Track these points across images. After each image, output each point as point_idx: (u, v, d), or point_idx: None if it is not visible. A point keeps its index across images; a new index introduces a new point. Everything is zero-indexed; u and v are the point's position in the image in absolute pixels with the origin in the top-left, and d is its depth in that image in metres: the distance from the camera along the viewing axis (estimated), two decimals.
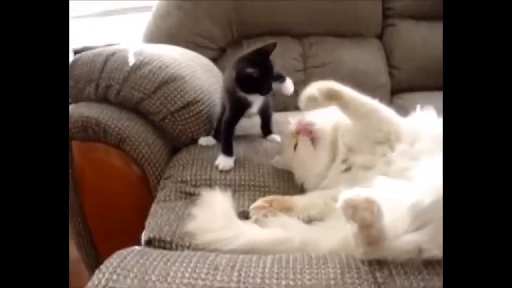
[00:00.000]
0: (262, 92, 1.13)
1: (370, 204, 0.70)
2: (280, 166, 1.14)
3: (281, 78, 1.15)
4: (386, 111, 1.02)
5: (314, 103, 0.96)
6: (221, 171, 1.11)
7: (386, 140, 0.96)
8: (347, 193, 0.71)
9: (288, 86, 1.17)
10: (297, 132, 1.09)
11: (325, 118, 1.08)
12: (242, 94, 1.13)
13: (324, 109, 1.03)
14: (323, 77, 1.85)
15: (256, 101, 1.17)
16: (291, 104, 1.27)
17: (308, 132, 1.06)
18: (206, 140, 1.25)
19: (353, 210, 0.70)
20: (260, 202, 0.96)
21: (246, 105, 1.16)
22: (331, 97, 0.96)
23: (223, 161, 1.12)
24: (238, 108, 1.16)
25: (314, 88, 0.96)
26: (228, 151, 1.14)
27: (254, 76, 1.08)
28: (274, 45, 1.13)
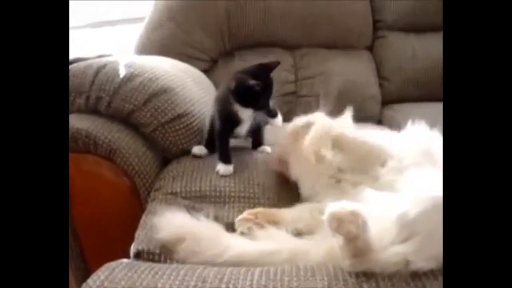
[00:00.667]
0: (259, 107, 1.13)
1: (355, 217, 0.71)
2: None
3: (273, 113, 1.16)
4: (375, 138, 1.02)
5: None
6: (221, 176, 1.13)
7: (376, 164, 0.96)
8: (333, 206, 0.71)
9: (278, 121, 1.17)
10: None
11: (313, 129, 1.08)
12: (234, 108, 1.13)
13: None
14: (314, 88, 1.89)
15: (247, 119, 1.17)
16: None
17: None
18: (199, 149, 1.25)
19: (338, 223, 0.70)
20: (245, 214, 0.96)
21: (237, 122, 1.16)
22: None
23: (223, 168, 1.14)
24: (228, 123, 1.16)
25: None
26: (226, 160, 1.15)
27: (255, 88, 1.07)
28: (278, 63, 1.15)
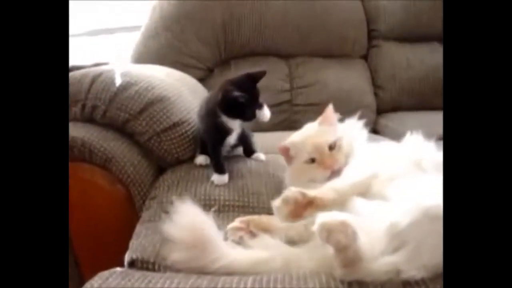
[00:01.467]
0: (245, 118, 1.15)
1: (344, 227, 0.71)
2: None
3: (259, 105, 1.15)
4: (366, 168, 0.97)
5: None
6: (216, 185, 1.14)
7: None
8: (323, 217, 0.72)
9: (265, 112, 1.15)
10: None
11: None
12: (222, 119, 1.15)
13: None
14: (309, 97, 1.90)
15: (236, 129, 1.19)
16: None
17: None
18: (204, 159, 1.25)
19: (328, 233, 0.71)
20: (237, 222, 0.96)
21: (226, 132, 1.18)
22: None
23: (217, 178, 1.16)
24: (218, 134, 1.18)
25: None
26: (220, 170, 1.16)
27: (240, 100, 1.09)
28: (264, 73, 1.15)
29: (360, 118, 1.15)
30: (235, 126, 1.18)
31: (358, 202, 0.85)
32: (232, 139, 1.21)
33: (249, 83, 1.13)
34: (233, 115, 1.14)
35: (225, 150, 1.22)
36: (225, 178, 1.16)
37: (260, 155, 1.30)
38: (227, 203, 1.09)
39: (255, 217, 0.99)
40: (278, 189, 1.15)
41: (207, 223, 0.87)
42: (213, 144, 1.19)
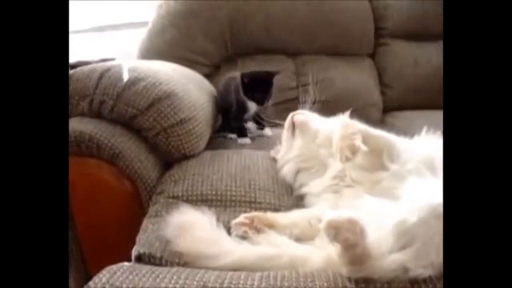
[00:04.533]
0: (254, 99, 1.46)
1: (352, 225, 0.71)
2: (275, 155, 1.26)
3: (262, 126, 1.56)
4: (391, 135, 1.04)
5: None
6: (242, 145, 1.45)
7: (388, 160, 0.98)
8: (330, 215, 0.72)
9: (267, 131, 1.56)
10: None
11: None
12: (242, 97, 1.46)
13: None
14: (315, 95, 1.90)
15: (251, 109, 1.49)
16: None
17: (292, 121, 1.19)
18: (244, 140, 1.51)
19: (336, 231, 0.71)
20: (241, 218, 0.96)
21: (244, 109, 1.49)
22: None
23: (241, 140, 1.49)
24: (239, 108, 1.48)
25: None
26: (244, 135, 1.50)
27: (244, 80, 1.44)
28: (278, 72, 1.52)
29: (367, 116, 1.15)
30: (251, 106, 1.47)
31: (366, 199, 0.85)
32: (247, 115, 1.51)
33: (264, 76, 1.48)
34: (246, 94, 1.45)
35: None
36: (247, 140, 1.48)
37: (267, 131, 1.56)
38: (233, 198, 1.09)
39: (260, 214, 0.99)
40: (285, 185, 1.16)
41: (203, 222, 0.88)
42: (236, 115, 1.50)
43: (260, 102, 1.46)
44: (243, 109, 1.49)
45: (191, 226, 0.87)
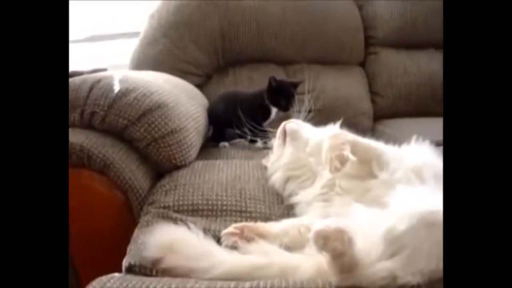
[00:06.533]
0: (279, 106, 1.59)
1: (340, 234, 0.72)
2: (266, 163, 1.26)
3: (254, 142, 1.59)
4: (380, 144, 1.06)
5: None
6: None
7: (377, 168, 0.99)
8: (318, 224, 0.73)
9: (258, 144, 1.58)
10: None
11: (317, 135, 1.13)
12: (266, 102, 1.58)
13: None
14: (307, 104, 1.91)
15: (272, 115, 1.61)
16: None
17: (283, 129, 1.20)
18: (227, 144, 1.62)
19: (324, 241, 0.72)
20: (231, 228, 0.97)
21: (267, 114, 1.60)
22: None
23: (255, 144, 1.58)
24: (261, 113, 1.59)
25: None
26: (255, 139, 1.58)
27: (272, 84, 1.57)
28: (300, 82, 1.68)
29: (357, 125, 1.17)
30: (274, 111, 1.59)
31: (356, 208, 0.86)
32: (266, 123, 1.59)
33: (289, 86, 1.62)
34: (271, 99, 1.58)
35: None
36: (259, 144, 1.57)
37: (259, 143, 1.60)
38: (224, 207, 1.10)
39: (250, 223, 0.99)
40: (275, 194, 1.16)
41: (187, 238, 0.89)
42: (256, 121, 1.55)
43: (284, 108, 1.58)
44: (266, 114, 1.59)
45: (176, 245, 0.87)
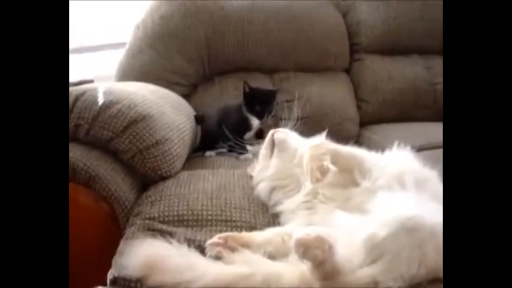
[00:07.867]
0: (255, 113, 1.57)
1: (320, 243, 0.73)
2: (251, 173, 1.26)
3: (245, 151, 1.56)
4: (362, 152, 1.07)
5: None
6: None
7: (359, 176, 1.00)
8: (299, 233, 0.74)
9: (247, 155, 1.54)
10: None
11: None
12: (246, 114, 1.57)
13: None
14: (293, 111, 1.92)
15: (254, 127, 1.59)
16: None
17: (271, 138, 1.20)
18: (213, 152, 1.62)
19: (305, 249, 0.73)
20: (215, 239, 0.97)
21: (247, 127, 1.59)
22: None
23: (243, 156, 1.54)
24: (240, 127, 1.58)
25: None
26: (244, 151, 1.55)
27: (245, 89, 1.58)
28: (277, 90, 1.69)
29: (343, 131, 1.18)
30: (255, 122, 1.58)
31: (338, 215, 0.87)
32: (249, 135, 1.59)
33: (265, 93, 1.63)
34: (246, 106, 1.57)
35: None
36: (248, 155, 1.52)
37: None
38: (209, 217, 1.10)
39: (234, 233, 1.00)
40: (260, 203, 1.17)
41: (169, 253, 0.89)
42: (238, 133, 1.55)
43: (259, 115, 1.57)
44: (246, 126, 1.59)
45: (158, 262, 0.87)
